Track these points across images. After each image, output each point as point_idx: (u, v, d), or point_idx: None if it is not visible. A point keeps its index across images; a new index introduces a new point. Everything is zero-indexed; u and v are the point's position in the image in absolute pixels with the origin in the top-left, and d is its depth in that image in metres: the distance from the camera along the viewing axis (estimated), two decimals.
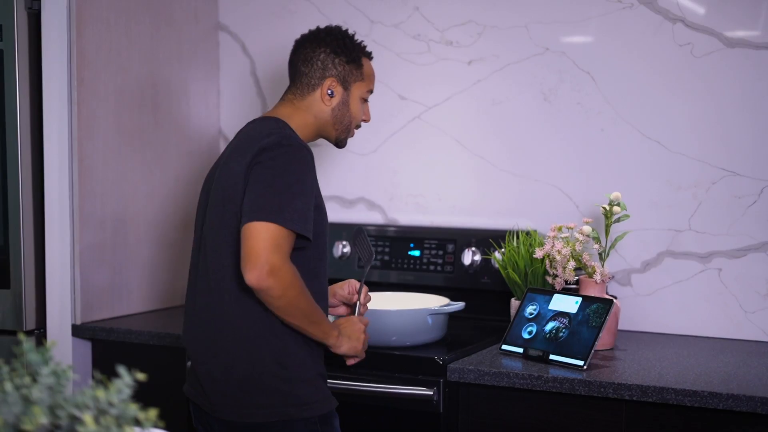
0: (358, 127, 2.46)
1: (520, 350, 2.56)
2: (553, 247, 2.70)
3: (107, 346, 3.03)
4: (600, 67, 3.02)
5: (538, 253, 2.72)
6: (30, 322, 3.01)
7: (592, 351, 2.46)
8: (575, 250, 2.68)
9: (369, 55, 2.45)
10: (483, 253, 3.08)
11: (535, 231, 2.95)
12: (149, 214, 3.27)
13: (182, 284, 3.42)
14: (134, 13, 3.18)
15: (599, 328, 2.50)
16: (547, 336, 2.57)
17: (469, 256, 3.10)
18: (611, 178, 3.00)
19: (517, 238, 2.91)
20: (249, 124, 2.36)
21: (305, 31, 2.46)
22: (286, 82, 3.51)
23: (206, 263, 2.26)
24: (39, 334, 3.04)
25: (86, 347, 3.07)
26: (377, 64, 3.27)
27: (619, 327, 2.85)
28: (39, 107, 3.00)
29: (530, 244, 2.83)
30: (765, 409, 2.17)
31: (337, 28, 2.42)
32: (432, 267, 3.16)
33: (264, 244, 2.05)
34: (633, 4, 2.95)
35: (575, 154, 3.06)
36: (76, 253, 3.01)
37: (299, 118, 2.34)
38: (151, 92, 3.26)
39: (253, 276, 2.05)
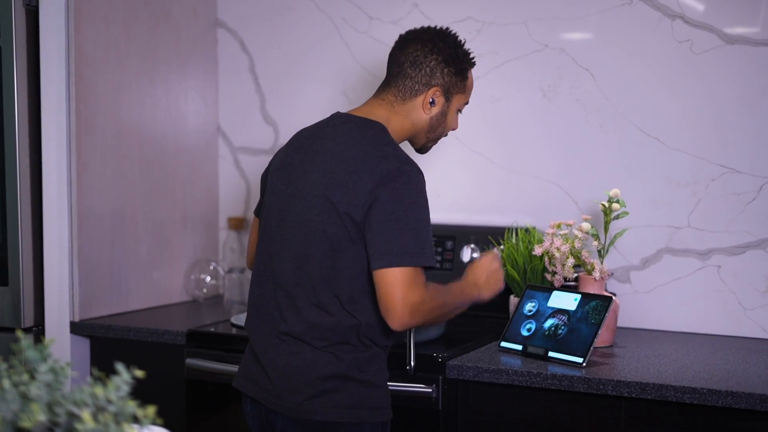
0: (445, 135, 2.39)
1: (519, 347, 2.56)
2: (552, 244, 2.70)
3: (105, 343, 3.03)
4: (599, 64, 3.01)
5: (537, 250, 2.72)
6: (28, 319, 3.01)
7: (591, 348, 2.46)
8: (574, 247, 2.68)
9: (472, 66, 2.36)
10: (482, 249, 3.08)
11: (534, 228, 2.94)
12: (147, 211, 3.27)
13: (180, 281, 3.42)
14: (132, 9, 3.18)
15: (598, 326, 2.50)
16: (546, 333, 2.57)
17: (467, 253, 3.10)
18: (610, 175, 2.99)
19: (516, 235, 2.91)
20: (344, 122, 2.25)
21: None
22: (286, 79, 3.52)
23: (281, 262, 2.22)
24: (37, 331, 3.03)
25: (84, 344, 3.07)
26: (376, 61, 3.26)
27: (618, 324, 2.85)
28: (37, 104, 3.00)
29: (529, 241, 2.83)
30: (764, 406, 2.17)
31: (452, 36, 2.32)
32: None
33: (401, 289, 2.08)
34: (632, 1, 2.95)
35: (574, 151, 3.06)
36: (75, 250, 3.00)
37: (396, 122, 2.27)
38: (149, 88, 3.26)
39: (395, 324, 2.10)
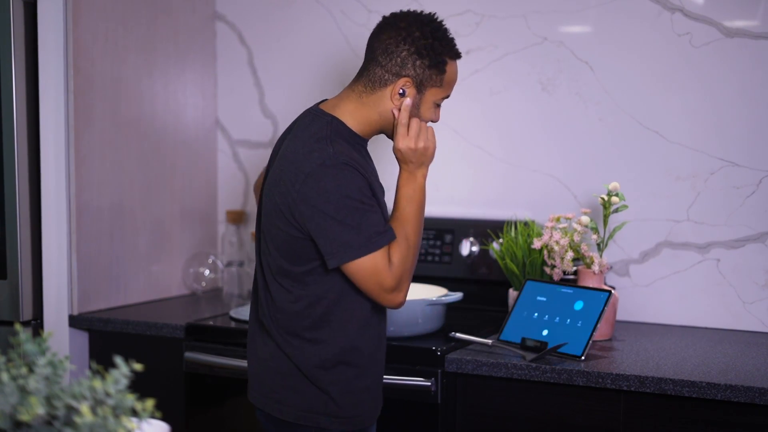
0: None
1: (518, 341, 2.56)
2: (551, 237, 2.69)
3: (104, 336, 3.03)
4: (598, 57, 3.01)
5: (536, 244, 2.72)
6: (27, 313, 3.00)
7: (590, 342, 2.46)
8: (573, 241, 2.68)
9: (457, 56, 2.23)
10: (481, 243, 3.08)
11: (533, 221, 2.94)
12: (146, 204, 3.26)
13: (179, 274, 3.41)
14: (131, 2, 3.17)
15: (597, 319, 2.50)
16: (545, 327, 2.57)
17: (467, 247, 3.10)
18: (609, 168, 2.99)
19: (515, 228, 2.91)
20: (305, 116, 2.24)
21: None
22: (285, 72, 3.52)
23: (258, 254, 2.26)
24: (36, 324, 3.03)
25: (83, 338, 3.07)
26: None
27: (617, 318, 2.85)
28: (35, 97, 2.99)
29: (528, 235, 2.83)
30: (763, 399, 2.18)
31: (434, 24, 2.20)
32: (430, 257, 3.16)
33: (372, 281, 2.10)
34: None
35: (573, 144, 3.05)
36: (73, 243, 3.00)
37: (362, 115, 2.19)
38: (147, 82, 3.25)
39: (389, 307, 2.15)
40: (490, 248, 2.99)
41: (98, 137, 3.07)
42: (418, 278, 3.10)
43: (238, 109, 3.57)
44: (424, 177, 2.24)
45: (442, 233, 3.16)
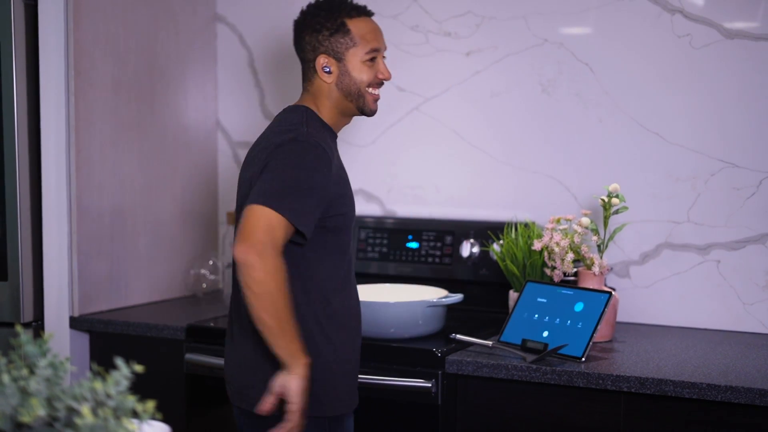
0: (379, 85, 2.33)
1: (519, 342, 2.56)
2: (551, 239, 2.70)
3: (105, 338, 3.03)
4: (598, 59, 3.01)
5: (537, 245, 2.72)
6: (27, 314, 3.01)
7: (591, 343, 2.46)
8: (574, 242, 2.68)
9: (357, 13, 2.31)
10: (481, 245, 3.08)
11: (534, 223, 2.94)
12: (147, 206, 3.27)
13: (180, 276, 3.41)
14: (132, 3, 3.17)
15: (597, 320, 2.50)
16: (546, 328, 2.57)
17: (467, 248, 3.10)
18: (610, 169, 2.99)
19: (516, 230, 2.91)
20: (282, 112, 2.34)
21: None
22: (284, 73, 3.52)
23: None
24: (37, 326, 3.03)
25: (84, 339, 3.07)
26: None
27: (618, 319, 2.85)
28: (36, 98, 3.00)
29: (529, 236, 2.83)
30: (763, 401, 2.18)
31: (311, 4, 2.33)
32: (430, 259, 3.16)
33: (259, 225, 2.04)
34: None
35: (574, 145, 3.06)
36: (74, 245, 3.00)
37: (317, 104, 2.30)
38: (148, 83, 3.26)
39: (241, 249, 2.03)
40: (490, 250, 3.00)
41: (99, 139, 3.07)
42: (419, 280, 3.11)
43: (239, 111, 3.57)
44: (299, 366, 2.08)
45: (442, 235, 3.16)
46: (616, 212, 2.75)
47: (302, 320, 2.17)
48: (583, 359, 2.44)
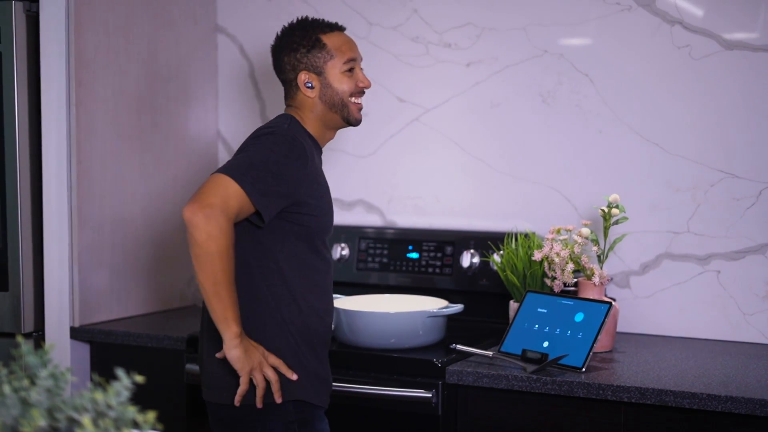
0: (361, 94, 2.41)
1: (519, 352, 2.56)
2: (551, 249, 2.70)
3: (106, 348, 3.03)
4: (598, 69, 3.02)
5: (537, 256, 2.72)
6: (28, 325, 3.01)
7: (591, 353, 2.46)
8: (574, 253, 2.68)
9: (330, 29, 2.40)
10: (481, 255, 3.08)
11: (534, 233, 2.94)
12: (147, 216, 3.27)
13: (180, 286, 3.42)
14: (133, 15, 3.18)
15: (598, 331, 2.50)
16: (546, 338, 2.57)
17: (467, 259, 3.10)
18: (610, 180, 3.00)
19: (516, 240, 2.91)
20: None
21: None
22: None
23: None
24: (37, 336, 3.03)
25: (85, 350, 3.07)
26: (375, 66, 3.26)
27: (618, 329, 2.85)
28: (37, 109, 3.00)
29: (529, 247, 2.83)
30: (763, 411, 2.17)
31: (285, 28, 2.42)
32: (430, 269, 3.16)
33: (215, 190, 2.09)
34: (631, 6, 2.95)
35: (573, 156, 3.06)
36: (75, 255, 3.00)
37: (302, 117, 2.37)
38: (149, 94, 3.26)
39: (189, 208, 2.08)
40: (490, 260, 3.00)
41: (100, 149, 3.08)
42: (419, 290, 3.11)
43: (239, 121, 3.57)
44: (231, 336, 2.14)
45: (442, 245, 3.16)
46: (617, 222, 2.75)
47: (269, 321, 2.24)
48: (584, 369, 2.44)
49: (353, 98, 2.38)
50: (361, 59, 2.44)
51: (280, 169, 2.17)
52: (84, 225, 3.02)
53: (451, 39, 3.21)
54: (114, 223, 3.14)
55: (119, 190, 3.16)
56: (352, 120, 2.40)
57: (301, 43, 2.36)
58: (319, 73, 2.35)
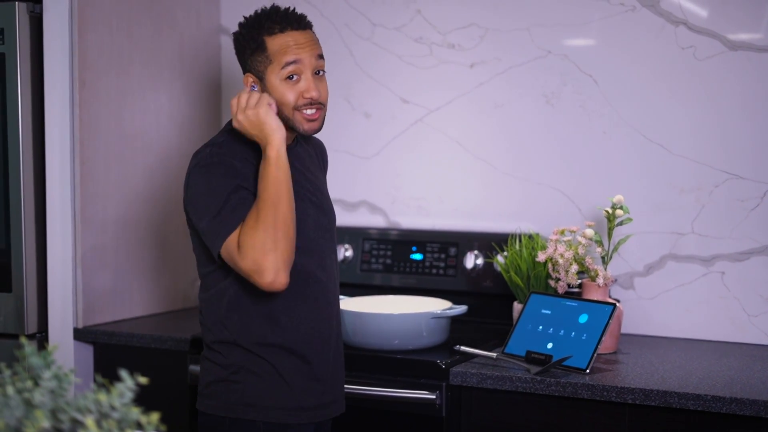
0: (308, 105, 2.18)
1: (523, 354, 2.56)
2: (555, 250, 2.69)
3: (109, 349, 3.03)
4: (602, 70, 3.01)
5: (541, 257, 2.72)
6: (32, 326, 3.01)
7: (595, 354, 2.46)
8: (578, 254, 2.68)
9: (280, 29, 2.17)
10: (485, 256, 3.08)
11: (538, 234, 2.94)
12: (151, 217, 3.27)
13: (183, 287, 3.42)
14: (136, 15, 3.18)
15: (602, 332, 2.49)
16: (550, 339, 2.56)
17: (471, 260, 3.09)
18: (614, 181, 2.99)
19: (520, 241, 2.91)
20: None
21: None
22: None
23: None
24: (41, 337, 3.03)
25: (88, 351, 3.07)
26: (379, 67, 3.26)
27: (622, 330, 2.85)
28: (41, 110, 3.00)
29: (533, 248, 2.83)
30: None
31: (240, 23, 2.24)
32: (434, 270, 3.16)
33: (235, 259, 2.08)
34: (635, 7, 2.95)
35: (577, 157, 3.06)
36: (78, 257, 3.00)
37: None
38: (152, 95, 3.26)
39: (263, 289, 2.08)
40: (494, 261, 2.99)
41: (103, 150, 3.08)
42: (423, 291, 3.10)
43: None
44: (276, 152, 2.09)
45: (446, 246, 3.16)
46: (620, 224, 2.75)
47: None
48: (588, 371, 2.43)
49: (299, 110, 2.18)
50: (317, 64, 2.20)
51: (228, 194, 2.11)
52: (87, 226, 3.02)
53: (455, 40, 3.21)
54: (117, 224, 3.14)
55: (123, 191, 3.16)
56: (301, 131, 2.20)
57: (247, 44, 2.20)
58: (260, 78, 2.18)
